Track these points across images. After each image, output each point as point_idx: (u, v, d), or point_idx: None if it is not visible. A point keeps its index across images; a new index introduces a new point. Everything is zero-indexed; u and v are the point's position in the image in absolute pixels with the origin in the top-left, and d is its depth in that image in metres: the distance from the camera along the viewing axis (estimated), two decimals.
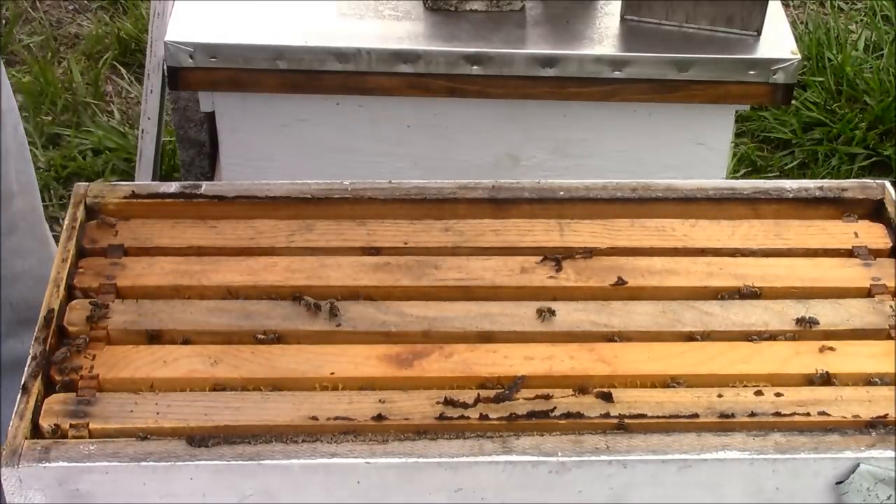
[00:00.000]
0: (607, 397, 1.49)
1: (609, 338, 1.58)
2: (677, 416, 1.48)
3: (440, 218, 1.74)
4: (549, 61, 2.09)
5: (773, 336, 1.59)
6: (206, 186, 1.74)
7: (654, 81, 2.11)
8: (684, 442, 1.44)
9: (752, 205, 1.77)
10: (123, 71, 3.56)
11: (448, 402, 1.48)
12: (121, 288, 1.61)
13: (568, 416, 1.47)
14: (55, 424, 1.43)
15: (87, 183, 1.74)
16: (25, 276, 2.06)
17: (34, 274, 2.05)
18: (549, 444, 1.43)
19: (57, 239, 2.94)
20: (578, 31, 2.14)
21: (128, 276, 1.62)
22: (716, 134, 2.20)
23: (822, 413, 1.48)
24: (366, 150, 2.22)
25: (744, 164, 3.35)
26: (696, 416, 1.47)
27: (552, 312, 1.59)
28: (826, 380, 1.53)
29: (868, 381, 1.54)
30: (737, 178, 3.21)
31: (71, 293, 1.60)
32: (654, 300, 1.63)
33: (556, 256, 1.68)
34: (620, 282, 1.65)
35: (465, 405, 1.47)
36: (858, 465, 1.44)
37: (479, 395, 1.49)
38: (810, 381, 1.54)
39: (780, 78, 2.10)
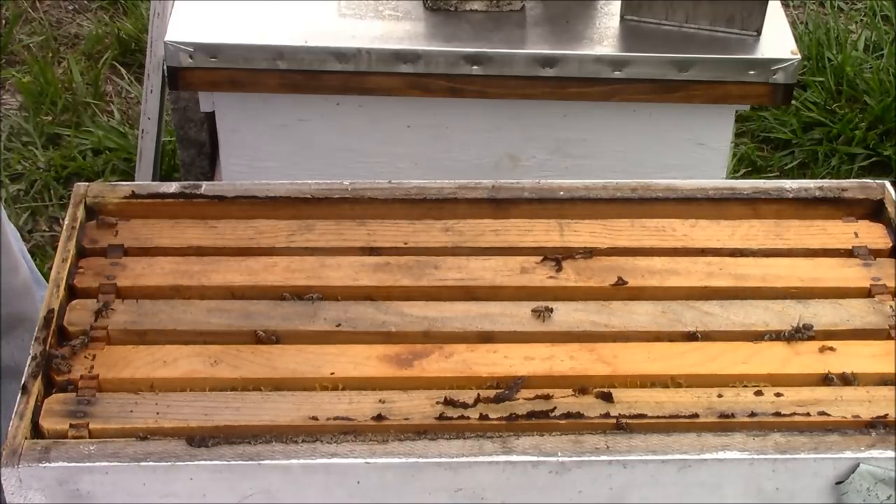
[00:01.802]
0: (607, 397, 1.49)
1: (609, 338, 1.58)
2: (677, 416, 1.48)
3: (440, 218, 1.74)
4: (549, 61, 2.09)
5: (773, 336, 1.59)
6: (206, 186, 1.74)
7: (654, 81, 2.11)
8: (684, 442, 1.44)
9: (752, 205, 1.77)
10: (123, 71, 3.56)
11: (448, 402, 1.48)
12: (121, 288, 1.61)
13: (568, 416, 1.47)
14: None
15: (87, 183, 1.74)
16: None
17: None
18: (549, 444, 1.43)
19: (56, 239, 2.95)
20: (578, 31, 2.14)
21: (128, 276, 1.62)
22: (716, 134, 2.20)
23: (822, 413, 1.48)
24: (366, 150, 2.22)
25: (744, 164, 3.35)
26: (696, 416, 1.47)
27: (550, 311, 1.59)
28: (846, 380, 1.53)
29: (868, 381, 1.54)
30: (737, 178, 3.21)
31: (71, 293, 1.60)
32: (654, 300, 1.63)
33: (556, 256, 1.68)
34: (620, 282, 1.65)
35: (465, 405, 1.47)
36: (858, 465, 1.44)
37: (479, 395, 1.49)
38: (815, 381, 1.54)
39: (780, 78, 2.10)
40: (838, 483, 1.44)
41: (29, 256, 2.26)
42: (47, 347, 1.51)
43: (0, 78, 3.50)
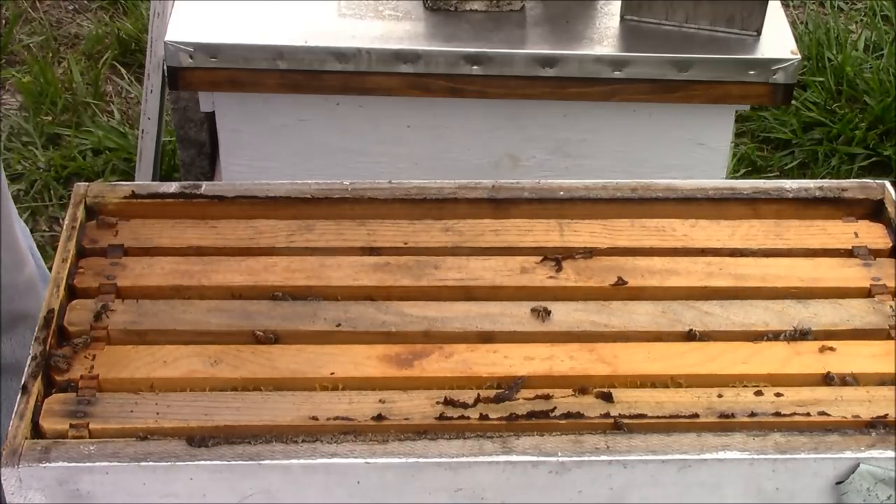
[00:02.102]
0: (607, 397, 1.49)
1: (609, 338, 1.58)
2: (677, 416, 1.48)
3: (440, 218, 1.74)
4: (549, 61, 2.09)
5: (773, 336, 1.59)
6: (206, 186, 1.74)
7: (654, 81, 2.11)
8: (684, 442, 1.44)
9: (752, 205, 1.77)
10: (123, 71, 3.56)
11: (448, 402, 1.48)
12: (121, 288, 1.61)
13: (568, 416, 1.47)
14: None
15: (87, 183, 1.74)
16: None
17: None
18: (549, 444, 1.43)
19: (56, 239, 2.95)
20: (578, 31, 2.14)
21: (128, 276, 1.62)
22: (716, 134, 2.20)
23: (822, 413, 1.48)
24: (366, 150, 2.22)
25: (744, 164, 3.35)
26: (696, 416, 1.47)
27: (547, 312, 1.59)
28: (846, 380, 1.53)
29: (868, 381, 1.54)
30: (737, 178, 3.21)
31: (71, 293, 1.60)
32: (654, 300, 1.63)
33: (556, 256, 1.68)
34: (620, 282, 1.65)
35: (465, 405, 1.47)
36: (858, 465, 1.44)
37: (479, 395, 1.49)
38: (815, 381, 1.54)
39: (780, 78, 2.10)
40: (838, 483, 1.44)
41: (38, 253, 2.26)
42: (47, 347, 1.51)
43: (0, 78, 3.50)
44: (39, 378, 1.47)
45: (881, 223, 1.76)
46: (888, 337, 1.60)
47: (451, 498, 1.43)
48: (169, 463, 1.39)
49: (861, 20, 3.84)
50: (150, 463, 1.39)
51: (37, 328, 1.53)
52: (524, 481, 1.43)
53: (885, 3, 3.86)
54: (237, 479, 1.41)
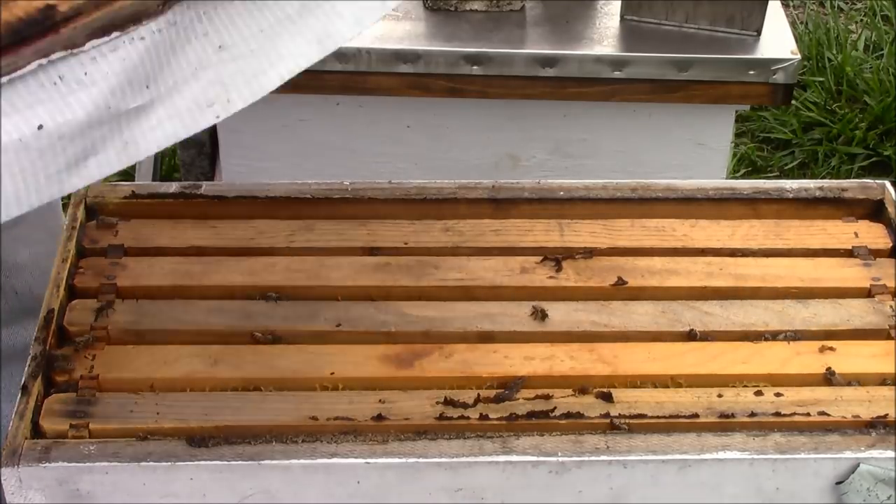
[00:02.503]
0: (607, 397, 1.49)
1: (609, 338, 1.58)
2: (677, 416, 1.48)
3: (440, 218, 1.74)
4: (549, 61, 2.09)
5: (772, 336, 1.59)
6: (206, 186, 1.74)
7: (654, 81, 2.11)
8: (684, 442, 1.44)
9: (752, 205, 1.77)
10: None
11: (448, 402, 1.48)
12: (121, 288, 1.61)
13: (568, 416, 1.47)
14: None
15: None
16: (31, 265, 2.07)
17: (41, 265, 2.06)
18: (549, 444, 1.43)
19: None
20: (578, 31, 2.14)
21: (128, 276, 1.62)
22: (716, 134, 2.20)
23: (822, 413, 1.48)
24: (366, 150, 2.22)
25: (744, 164, 3.36)
26: (696, 416, 1.47)
27: (545, 313, 1.59)
28: (846, 380, 1.53)
29: (868, 381, 1.54)
30: (737, 178, 3.21)
31: (71, 293, 1.60)
32: (654, 300, 1.63)
33: (556, 256, 1.68)
34: (620, 282, 1.65)
35: (465, 405, 1.47)
36: (858, 465, 1.44)
37: (479, 395, 1.49)
38: (815, 381, 1.54)
39: (780, 78, 2.11)
40: (838, 483, 1.44)
41: None
42: (47, 347, 1.51)
43: None
44: (39, 378, 1.47)
45: (881, 223, 1.76)
46: (888, 337, 1.60)
47: (451, 498, 1.43)
48: (169, 463, 1.39)
49: (861, 20, 3.84)
50: (150, 463, 1.39)
51: (36, 328, 1.53)
52: (524, 481, 1.43)
53: (885, 3, 3.86)
54: (237, 479, 1.41)
